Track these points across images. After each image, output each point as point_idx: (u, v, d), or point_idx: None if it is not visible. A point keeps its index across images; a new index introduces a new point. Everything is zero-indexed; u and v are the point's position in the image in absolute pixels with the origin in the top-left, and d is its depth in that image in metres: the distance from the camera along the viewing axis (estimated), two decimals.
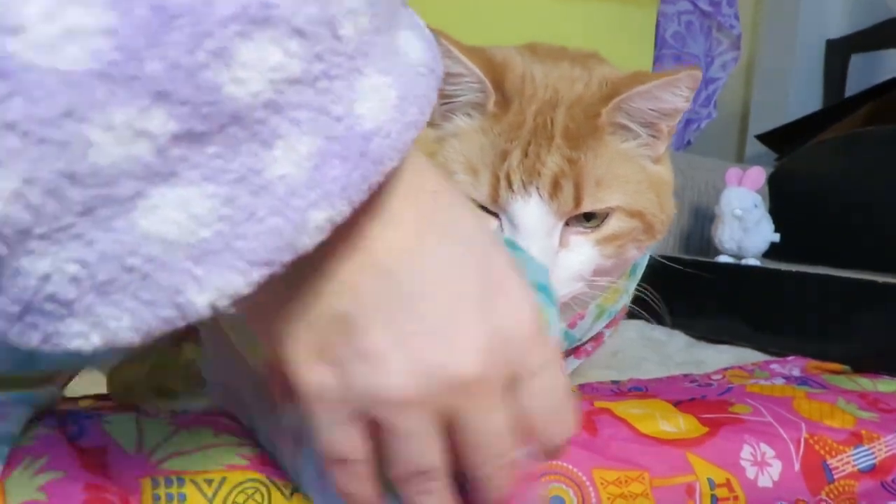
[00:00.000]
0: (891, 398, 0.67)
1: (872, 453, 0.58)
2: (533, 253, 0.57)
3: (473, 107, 0.61)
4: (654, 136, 0.62)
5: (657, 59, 1.97)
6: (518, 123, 0.59)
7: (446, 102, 0.62)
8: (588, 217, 0.60)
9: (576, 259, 0.60)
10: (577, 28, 1.63)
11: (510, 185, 0.57)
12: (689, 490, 0.51)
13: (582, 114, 0.59)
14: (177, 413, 0.48)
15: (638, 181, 0.61)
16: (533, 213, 0.58)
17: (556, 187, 0.58)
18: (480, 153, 0.59)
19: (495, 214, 0.60)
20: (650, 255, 0.77)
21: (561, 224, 0.59)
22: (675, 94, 0.60)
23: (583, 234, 0.60)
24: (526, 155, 0.58)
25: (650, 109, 0.60)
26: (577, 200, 0.58)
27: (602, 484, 0.50)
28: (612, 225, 0.61)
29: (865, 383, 0.73)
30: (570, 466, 0.50)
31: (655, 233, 0.64)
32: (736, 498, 0.52)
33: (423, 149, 0.61)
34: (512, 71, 0.61)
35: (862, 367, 0.84)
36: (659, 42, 1.96)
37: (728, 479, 0.52)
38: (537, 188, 0.57)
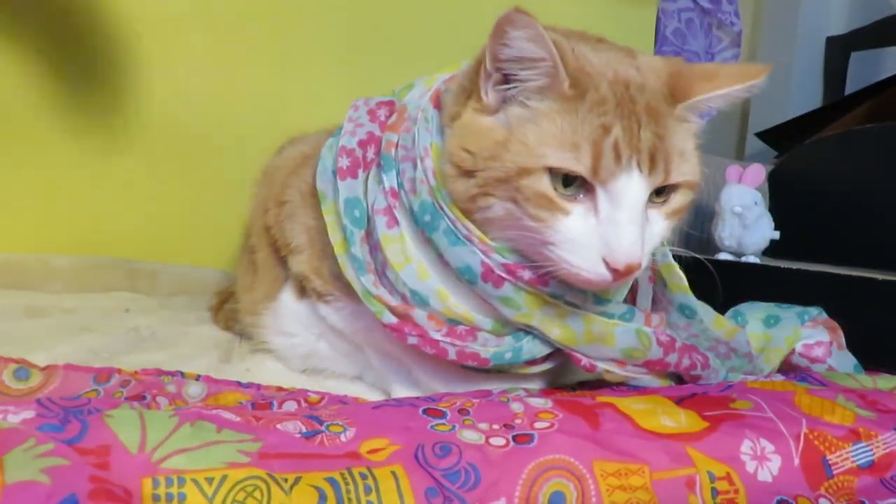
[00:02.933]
0: (889, 398, 0.67)
1: (871, 450, 0.58)
2: (632, 229, 0.58)
3: (539, 91, 0.61)
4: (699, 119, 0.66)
5: None
6: (601, 100, 0.60)
7: (512, 87, 0.62)
8: (658, 192, 0.62)
9: (654, 231, 0.63)
10: (577, 25, 1.62)
11: (618, 157, 0.58)
12: (690, 482, 0.51)
13: (658, 97, 0.62)
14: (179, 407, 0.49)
15: (696, 156, 0.65)
16: (634, 188, 0.59)
17: (653, 161, 0.59)
18: (574, 130, 0.59)
19: (590, 192, 0.60)
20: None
21: (647, 198, 0.61)
22: (750, 92, 0.63)
23: (656, 209, 0.63)
24: (624, 130, 0.59)
25: (715, 104, 0.64)
26: (667, 173, 0.61)
27: (602, 476, 0.50)
28: (679, 198, 0.64)
29: (865, 380, 0.73)
30: (571, 459, 0.50)
31: (690, 206, 0.67)
32: (736, 491, 0.52)
33: (491, 137, 0.62)
34: (566, 51, 0.62)
35: (861, 363, 0.84)
36: (659, 39, 1.96)
37: (728, 473, 0.53)
38: (638, 162, 0.59)
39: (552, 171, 0.59)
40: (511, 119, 0.62)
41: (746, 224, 1.34)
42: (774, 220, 1.38)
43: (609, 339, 0.67)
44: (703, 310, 0.74)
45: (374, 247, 0.69)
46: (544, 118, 0.61)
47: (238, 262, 0.98)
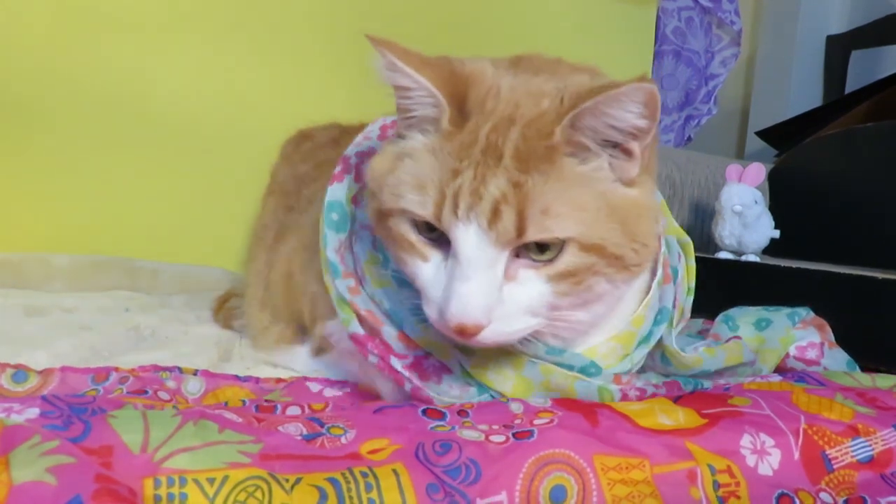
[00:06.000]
0: (887, 396, 0.67)
1: (870, 445, 0.58)
2: (468, 287, 0.52)
3: (431, 122, 0.56)
4: (621, 157, 0.55)
5: (657, 55, 1.97)
6: (471, 142, 0.53)
7: (406, 117, 0.57)
8: (542, 249, 0.53)
9: (524, 293, 0.54)
10: (578, 24, 1.63)
11: (456, 207, 0.52)
12: (691, 475, 0.52)
13: (535, 133, 0.53)
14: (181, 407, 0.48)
15: (597, 209, 0.53)
16: (471, 241, 0.52)
17: (495, 214, 0.51)
18: (430, 171, 0.54)
19: (446, 243, 0.54)
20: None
21: (505, 255, 0.53)
22: (624, 111, 0.52)
23: (533, 268, 0.54)
24: (474, 176, 0.52)
25: (604, 128, 0.53)
26: (520, 230, 0.51)
27: (602, 470, 0.50)
28: (566, 260, 0.53)
29: (863, 378, 0.73)
30: (571, 453, 0.50)
31: (628, 265, 0.56)
32: (737, 483, 0.52)
33: (383, 165, 0.57)
34: (476, 84, 0.56)
35: (860, 362, 0.84)
36: (659, 38, 1.96)
37: (729, 466, 0.53)
38: (477, 214, 0.52)
39: (408, 214, 0.55)
40: (402, 151, 0.58)
41: (746, 223, 1.34)
42: (774, 218, 1.38)
43: (570, 392, 0.62)
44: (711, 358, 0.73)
45: (357, 258, 0.68)
46: (417, 154, 0.56)
47: (246, 264, 0.96)
